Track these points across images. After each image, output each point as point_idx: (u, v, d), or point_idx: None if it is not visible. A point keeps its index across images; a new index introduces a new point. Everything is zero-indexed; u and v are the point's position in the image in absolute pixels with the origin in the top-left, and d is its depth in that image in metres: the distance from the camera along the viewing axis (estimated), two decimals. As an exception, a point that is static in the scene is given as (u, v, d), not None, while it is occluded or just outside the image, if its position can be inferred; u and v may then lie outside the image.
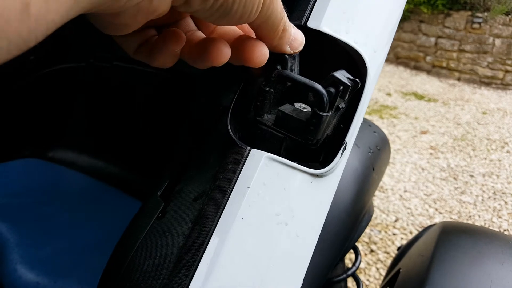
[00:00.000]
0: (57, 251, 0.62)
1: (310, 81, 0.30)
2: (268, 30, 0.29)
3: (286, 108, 0.34)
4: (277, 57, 0.32)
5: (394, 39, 5.73)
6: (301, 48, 0.33)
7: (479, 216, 2.17)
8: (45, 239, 0.65)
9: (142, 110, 0.91)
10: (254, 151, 0.32)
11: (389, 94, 4.46)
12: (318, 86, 0.30)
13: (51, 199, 0.79)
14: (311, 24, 0.36)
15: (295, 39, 0.32)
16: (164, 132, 0.87)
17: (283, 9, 0.29)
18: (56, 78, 0.95)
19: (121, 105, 0.94)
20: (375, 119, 3.66)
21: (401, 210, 2.19)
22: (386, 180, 2.50)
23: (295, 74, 0.32)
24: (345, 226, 0.52)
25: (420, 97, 4.42)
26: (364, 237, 1.93)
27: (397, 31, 5.90)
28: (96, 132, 0.99)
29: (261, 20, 0.27)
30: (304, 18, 0.36)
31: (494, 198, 2.35)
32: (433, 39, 5.38)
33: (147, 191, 0.88)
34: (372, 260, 1.78)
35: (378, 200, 2.27)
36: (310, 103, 0.36)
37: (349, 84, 0.31)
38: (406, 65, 5.73)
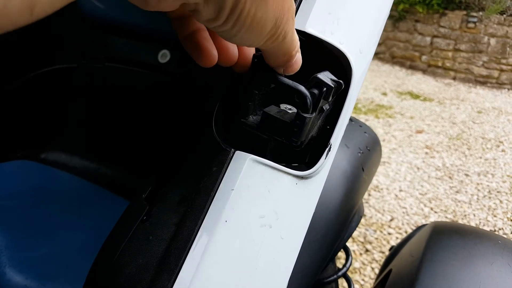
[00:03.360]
0: (46, 254, 0.62)
1: (294, 82, 0.30)
2: (276, 56, 0.30)
3: (271, 109, 0.33)
4: (261, 58, 0.32)
5: (389, 39, 5.74)
6: (296, 70, 0.32)
7: (474, 215, 2.18)
8: (35, 242, 0.64)
9: (134, 111, 0.91)
10: (238, 153, 0.32)
11: (384, 94, 4.47)
12: (301, 88, 0.30)
13: (42, 201, 0.78)
14: (297, 25, 0.36)
15: (296, 62, 0.31)
16: (156, 133, 0.87)
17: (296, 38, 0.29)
18: (48, 80, 0.94)
19: (113, 106, 0.93)
20: (371, 119, 3.66)
21: (396, 210, 2.19)
22: (381, 179, 2.50)
23: (279, 75, 0.32)
24: (334, 226, 0.52)
25: (416, 96, 4.44)
26: (359, 237, 1.93)
27: (392, 30, 5.91)
28: (88, 134, 0.98)
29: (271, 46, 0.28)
30: (289, 19, 0.36)
31: (489, 197, 2.36)
32: (428, 39, 5.39)
33: (138, 193, 0.88)
34: (367, 260, 1.78)
35: (373, 199, 2.27)
36: (296, 104, 0.36)
37: (332, 86, 0.30)
38: (401, 64, 5.74)
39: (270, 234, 0.31)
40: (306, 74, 0.33)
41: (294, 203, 0.33)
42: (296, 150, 0.34)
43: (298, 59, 0.31)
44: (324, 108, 0.33)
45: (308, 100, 0.30)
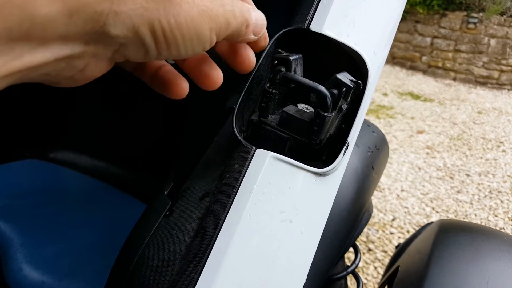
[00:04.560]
0: (61, 251, 0.63)
1: (314, 83, 0.31)
2: (235, 38, 0.28)
3: (290, 109, 0.35)
4: (282, 60, 0.33)
5: (390, 39, 5.75)
6: (264, 29, 0.31)
7: (476, 215, 2.19)
8: (49, 239, 0.65)
9: (143, 110, 0.92)
10: (259, 151, 0.33)
11: (385, 94, 4.48)
12: (322, 88, 0.31)
13: (53, 199, 0.79)
14: (314, 27, 0.37)
15: (257, 24, 0.30)
16: (165, 131, 0.88)
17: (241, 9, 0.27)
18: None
19: (122, 105, 0.94)
20: (372, 119, 3.68)
21: (398, 209, 2.20)
22: (383, 179, 2.52)
23: (299, 76, 0.33)
24: (346, 224, 0.53)
25: (416, 97, 4.45)
26: (362, 236, 1.94)
27: (393, 31, 5.94)
28: (96, 133, 0.99)
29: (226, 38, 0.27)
30: (307, 22, 0.37)
31: (490, 197, 2.38)
32: (428, 39, 5.41)
33: (148, 191, 0.89)
34: (370, 259, 1.80)
35: (375, 199, 2.28)
36: (312, 104, 0.37)
37: (352, 86, 0.32)
38: (402, 65, 5.76)
39: (290, 229, 0.32)
40: (323, 75, 0.35)
41: (313, 199, 0.34)
42: (314, 148, 0.35)
43: (258, 18, 0.29)
44: (343, 108, 0.34)
45: (328, 100, 0.31)
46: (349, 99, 0.33)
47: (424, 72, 5.52)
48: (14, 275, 0.57)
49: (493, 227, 2.09)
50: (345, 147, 0.34)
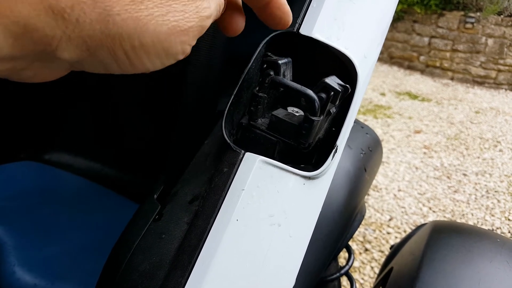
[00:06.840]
0: (54, 253, 0.63)
1: (302, 87, 0.31)
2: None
3: (279, 112, 0.35)
4: (271, 64, 0.33)
5: (388, 39, 5.77)
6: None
7: (472, 215, 2.19)
8: (43, 241, 0.65)
9: (137, 112, 0.91)
10: (248, 155, 0.33)
11: (383, 94, 4.49)
12: (310, 92, 0.31)
13: (47, 201, 0.79)
14: (304, 31, 0.37)
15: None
16: (160, 134, 0.88)
17: None
18: (51, 81, 0.95)
19: (117, 107, 0.94)
20: (370, 119, 3.68)
21: (395, 209, 2.20)
22: (380, 179, 2.52)
23: (288, 80, 0.33)
24: (338, 225, 0.53)
25: (414, 96, 4.46)
26: (358, 236, 1.94)
27: (390, 31, 5.91)
28: (91, 135, 0.99)
29: None
30: (297, 25, 0.37)
31: (487, 197, 2.38)
32: (426, 39, 5.42)
33: (143, 193, 0.89)
34: (366, 259, 1.80)
35: (372, 199, 2.29)
36: (302, 108, 0.37)
37: (340, 90, 0.32)
38: (400, 65, 5.76)
39: (279, 233, 0.32)
40: (313, 79, 0.35)
41: (302, 203, 0.34)
42: (303, 152, 0.35)
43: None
44: (331, 111, 0.34)
45: (316, 104, 0.31)
46: (337, 102, 0.33)
47: (422, 71, 5.53)
48: (7, 278, 0.57)
49: (490, 227, 2.09)
50: (333, 150, 0.34)
